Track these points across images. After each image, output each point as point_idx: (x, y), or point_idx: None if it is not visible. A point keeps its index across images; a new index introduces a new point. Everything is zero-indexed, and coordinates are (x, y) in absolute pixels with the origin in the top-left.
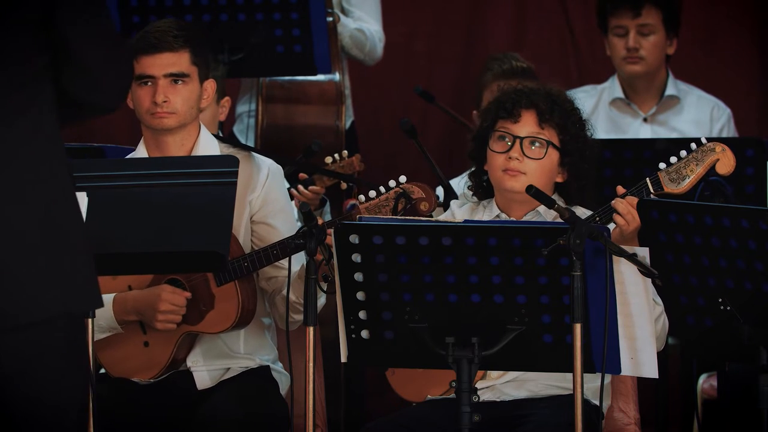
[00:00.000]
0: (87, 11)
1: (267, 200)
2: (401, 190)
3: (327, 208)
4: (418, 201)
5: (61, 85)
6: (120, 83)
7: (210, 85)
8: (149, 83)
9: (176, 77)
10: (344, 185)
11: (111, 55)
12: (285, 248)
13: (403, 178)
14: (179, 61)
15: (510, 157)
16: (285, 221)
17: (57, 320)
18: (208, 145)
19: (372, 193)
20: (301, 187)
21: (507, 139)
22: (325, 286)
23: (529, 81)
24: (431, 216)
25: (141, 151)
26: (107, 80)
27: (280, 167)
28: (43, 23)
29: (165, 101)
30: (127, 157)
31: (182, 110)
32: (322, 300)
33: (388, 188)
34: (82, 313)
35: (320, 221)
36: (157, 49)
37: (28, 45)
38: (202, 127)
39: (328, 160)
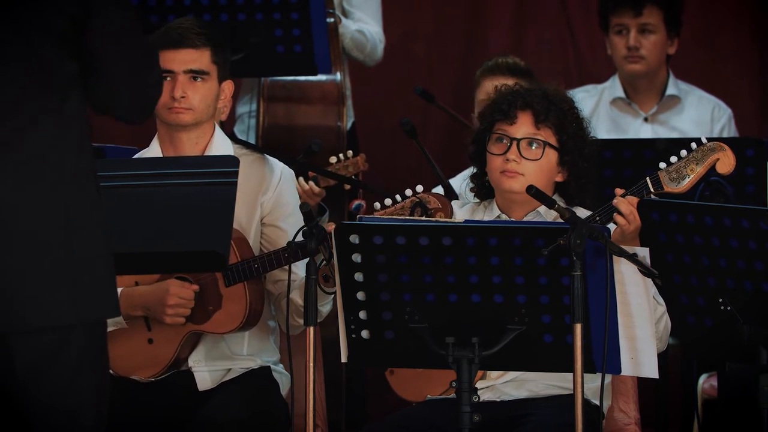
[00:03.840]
0: (118, 25)
1: (278, 203)
2: (417, 200)
3: (326, 217)
4: (434, 211)
5: (88, 91)
6: (145, 98)
7: (228, 86)
8: (168, 78)
9: (196, 74)
10: (347, 185)
11: (137, 70)
12: (295, 252)
13: (419, 188)
14: (200, 58)
15: (508, 159)
16: (295, 225)
17: (74, 326)
18: (221, 145)
19: (388, 201)
20: (301, 179)
21: (504, 141)
22: (332, 290)
23: (517, 77)
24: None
25: (155, 148)
26: (131, 94)
27: (292, 171)
28: (74, 32)
29: (183, 96)
30: (140, 153)
31: (199, 107)
32: (328, 307)
33: (404, 197)
34: (95, 320)
35: (331, 227)
36: (179, 45)
37: (58, 53)
38: (217, 127)
39: (333, 159)
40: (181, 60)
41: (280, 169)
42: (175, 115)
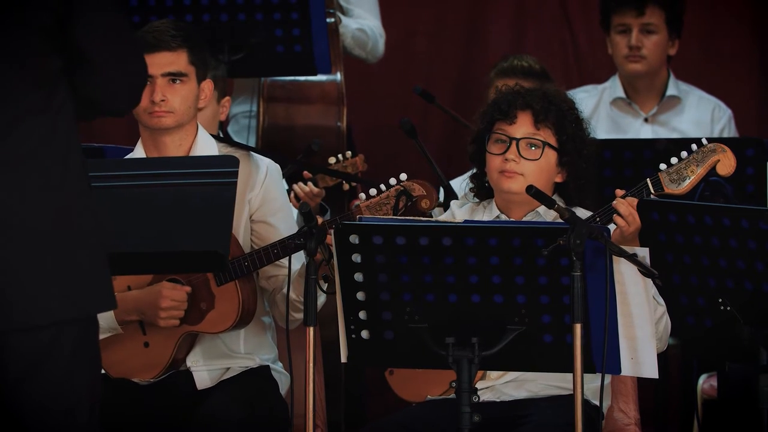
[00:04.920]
0: (102, 17)
1: (266, 199)
2: (402, 188)
3: (327, 216)
4: (419, 198)
5: (74, 85)
6: (132, 87)
7: (207, 85)
8: (147, 82)
9: (174, 76)
10: (346, 186)
11: (123, 61)
12: (285, 247)
13: (403, 176)
14: (177, 60)
15: (507, 159)
16: (284, 220)
17: (67, 323)
18: (206, 145)
19: (372, 191)
20: (301, 183)
21: (503, 141)
22: (325, 286)
23: (531, 80)
24: (431, 214)
25: (139, 152)
26: (118, 85)
27: (278, 166)
28: (58, 27)
29: (163, 100)
30: (126, 157)
31: (180, 109)
32: (322, 299)
33: (388, 186)
34: (94, 314)
35: (320, 220)
36: (155, 48)
37: (42, 48)
38: (200, 127)
39: (332, 160)
40: (158, 63)
41: (265, 165)
42: (156, 119)
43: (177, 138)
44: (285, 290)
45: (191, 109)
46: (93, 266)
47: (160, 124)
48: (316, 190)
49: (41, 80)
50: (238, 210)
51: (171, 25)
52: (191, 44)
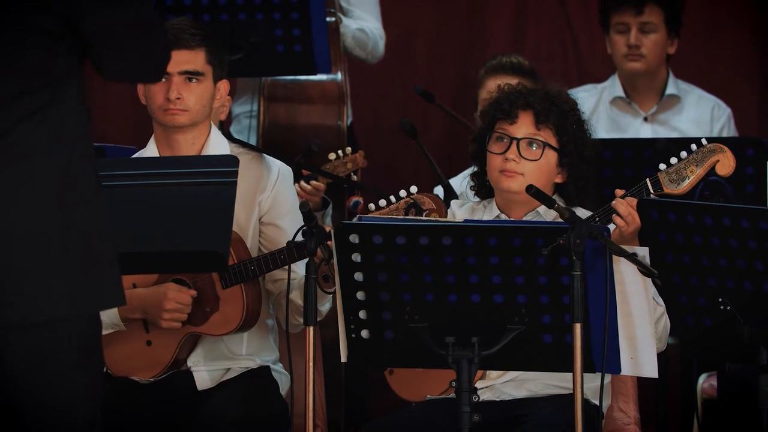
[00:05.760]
0: (113, 12)
1: (276, 201)
2: (411, 201)
3: (329, 210)
4: (428, 212)
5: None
6: (155, 67)
7: (223, 85)
8: (163, 79)
9: (191, 75)
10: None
11: (143, 50)
12: (292, 253)
13: (414, 189)
14: (195, 59)
15: (507, 158)
16: (293, 223)
17: (70, 321)
18: (218, 145)
19: (382, 202)
20: (302, 182)
21: (504, 140)
22: (331, 290)
23: (520, 77)
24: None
25: (151, 149)
26: (139, 70)
27: (290, 169)
28: (67, 29)
29: (178, 98)
30: (137, 154)
31: (195, 108)
32: (327, 306)
33: (398, 198)
34: (96, 312)
35: (328, 228)
36: (173, 46)
37: (45, 51)
38: (213, 127)
39: (332, 156)
40: (175, 61)
41: (277, 167)
42: (170, 117)
43: (190, 137)
44: (289, 294)
45: (206, 108)
46: (94, 265)
47: (174, 121)
48: (317, 184)
49: (47, 82)
50: (248, 211)
51: (190, 23)
52: (210, 43)
